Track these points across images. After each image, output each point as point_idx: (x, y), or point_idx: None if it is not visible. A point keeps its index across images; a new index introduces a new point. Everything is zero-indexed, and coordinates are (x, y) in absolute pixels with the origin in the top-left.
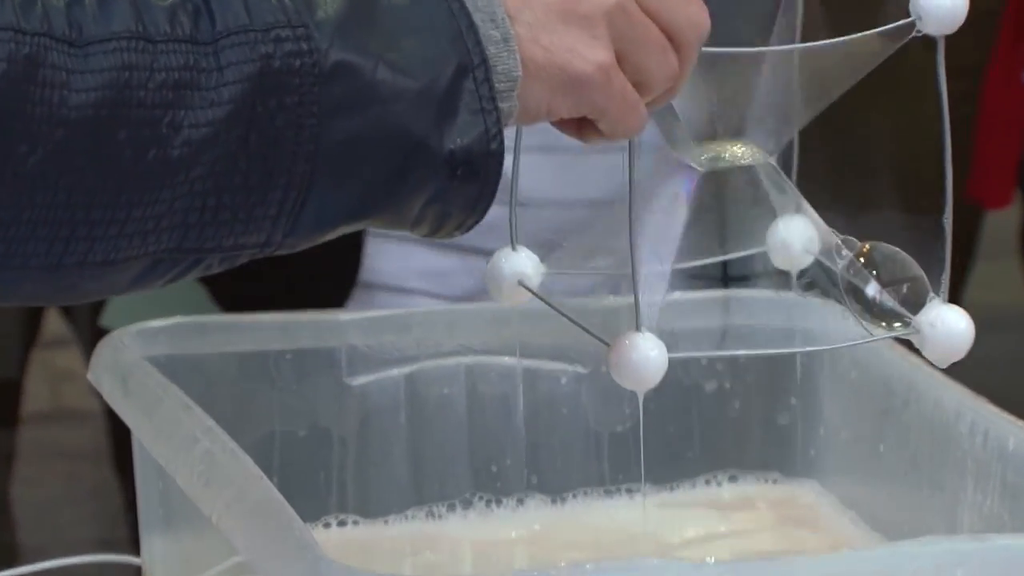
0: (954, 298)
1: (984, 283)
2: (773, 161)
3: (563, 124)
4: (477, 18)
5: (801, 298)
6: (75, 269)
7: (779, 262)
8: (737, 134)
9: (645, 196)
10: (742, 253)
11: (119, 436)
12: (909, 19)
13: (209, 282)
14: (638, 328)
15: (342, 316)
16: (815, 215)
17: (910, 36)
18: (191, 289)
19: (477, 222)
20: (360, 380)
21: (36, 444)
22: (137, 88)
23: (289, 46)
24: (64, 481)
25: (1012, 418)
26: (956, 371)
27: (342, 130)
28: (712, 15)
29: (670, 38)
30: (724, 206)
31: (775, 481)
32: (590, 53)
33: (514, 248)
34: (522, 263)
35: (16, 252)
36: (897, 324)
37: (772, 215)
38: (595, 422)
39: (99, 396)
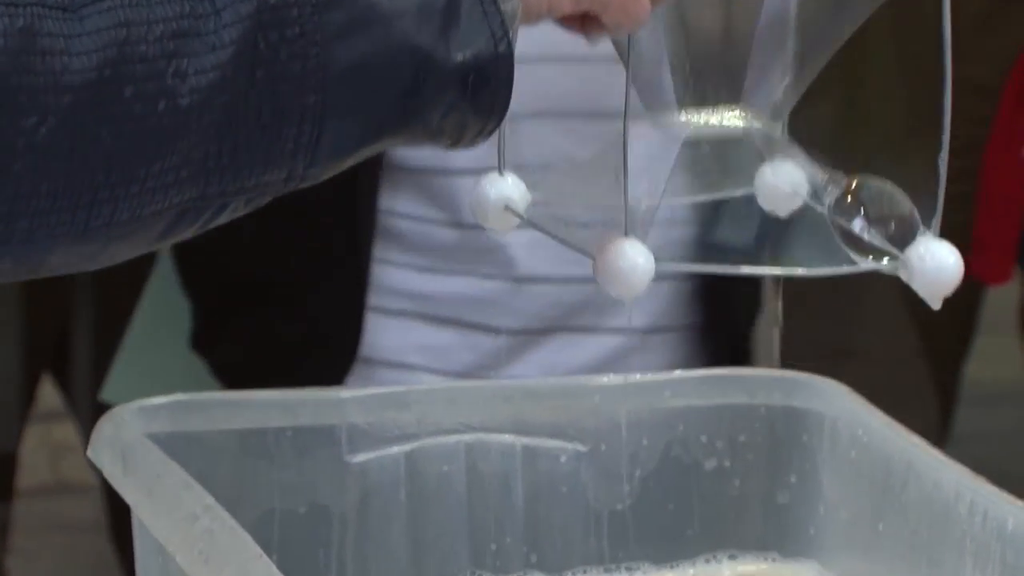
0: (954, 373)
1: (985, 358)
2: (778, 128)
3: (566, 21)
4: None
5: (802, 377)
6: (102, 231)
7: (767, 204)
8: (733, 98)
9: (637, 131)
10: (730, 193)
11: (117, 510)
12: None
13: (209, 354)
14: (626, 234)
15: (342, 393)
16: (801, 153)
17: None
18: (191, 365)
19: (497, 126)
20: (360, 457)
21: (34, 517)
22: (137, 43)
23: None
24: (62, 555)
25: (1011, 498)
26: (958, 445)
27: (348, 54)
28: None
29: None
30: (713, 148)
31: (774, 560)
32: None
33: (501, 173)
34: (509, 188)
35: (41, 224)
36: (887, 259)
37: (760, 158)
38: (595, 500)
39: (97, 469)
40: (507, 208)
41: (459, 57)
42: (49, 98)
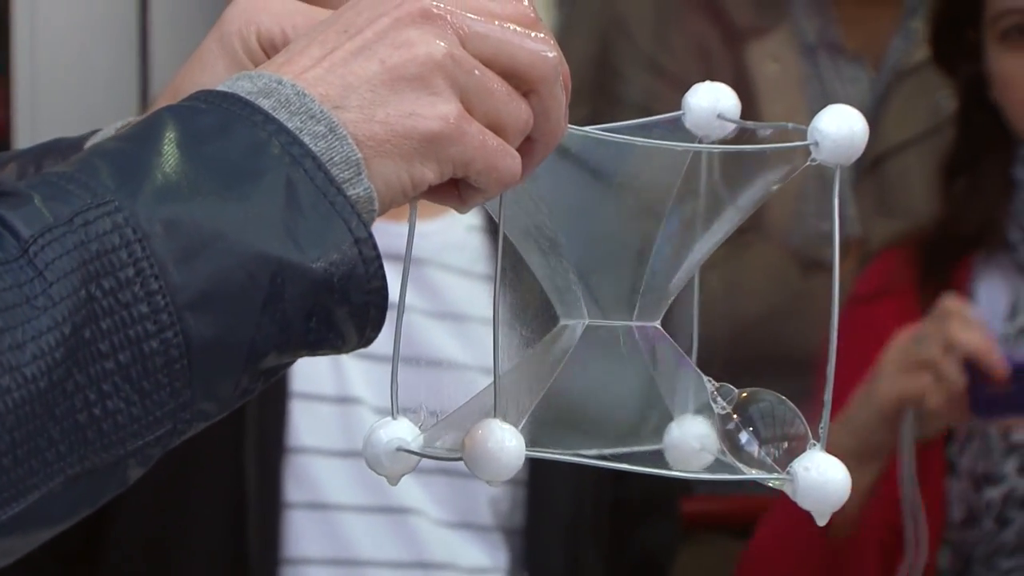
0: None
1: None
2: (658, 324)
3: (439, 194)
4: (294, 122)
5: None
6: None
7: (676, 462)
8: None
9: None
10: (631, 449)
11: None
12: (806, 143)
13: None
14: (495, 415)
15: None
16: (693, 367)
17: (806, 164)
18: None
19: (380, 317)
20: None
21: None
22: None
23: (101, 225)
24: None
25: None
26: None
27: (194, 279)
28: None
29: (518, 80)
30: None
31: None
32: (432, 110)
33: (394, 416)
34: (400, 430)
35: None
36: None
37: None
38: None
39: None
40: (399, 449)
41: (315, 253)
42: None
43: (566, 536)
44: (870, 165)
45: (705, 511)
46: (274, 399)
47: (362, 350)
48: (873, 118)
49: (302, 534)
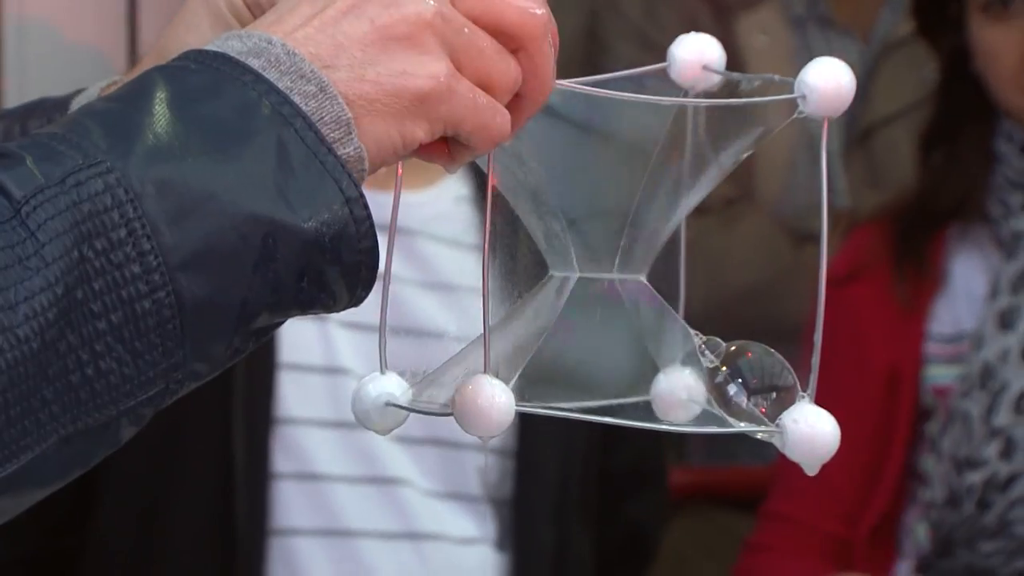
0: None
1: None
2: (643, 278)
3: (429, 152)
4: (284, 82)
5: None
6: None
7: (663, 413)
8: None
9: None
10: (619, 400)
11: None
12: (793, 95)
13: None
14: (486, 370)
15: None
16: (680, 320)
17: (792, 117)
18: None
19: (371, 277)
20: None
21: None
22: None
23: (93, 185)
24: None
25: None
26: None
27: (186, 240)
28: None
29: (507, 37)
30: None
31: None
32: (422, 69)
33: (383, 371)
34: (389, 385)
35: None
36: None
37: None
38: None
39: None
40: (388, 404)
41: (306, 213)
42: None
43: (554, 507)
44: (859, 137)
45: (698, 481)
46: (262, 370)
47: (350, 320)
48: (862, 90)
49: (290, 504)
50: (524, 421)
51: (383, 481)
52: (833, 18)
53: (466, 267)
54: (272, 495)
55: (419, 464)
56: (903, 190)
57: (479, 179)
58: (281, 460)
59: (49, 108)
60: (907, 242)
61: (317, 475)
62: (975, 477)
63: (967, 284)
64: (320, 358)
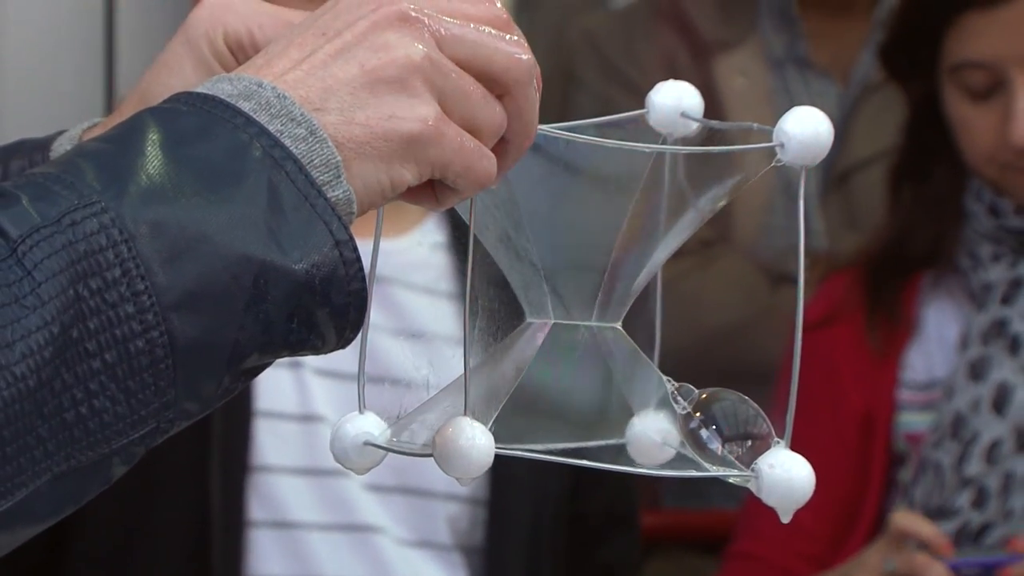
0: None
1: None
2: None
3: (416, 196)
4: (274, 125)
5: None
6: None
7: (638, 456)
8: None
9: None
10: (594, 443)
11: None
12: (771, 144)
13: None
14: (465, 412)
15: None
16: (654, 366)
17: (771, 165)
18: None
19: (359, 320)
20: None
21: None
22: None
23: (88, 225)
24: None
25: None
26: None
27: (179, 280)
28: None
29: (493, 82)
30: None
31: None
32: (411, 112)
33: (361, 411)
34: (367, 424)
35: None
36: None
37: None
38: None
39: None
40: (367, 443)
41: (296, 255)
42: None
43: (526, 554)
44: (837, 179)
45: (671, 524)
46: (238, 417)
47: (325, 367)
48: (841, 132)
49: (265, 553)
50: (496, 469)
51: (357, 529)
52: (812, 60)
53: (440, 315)
54: (247, 543)
55: (391, 512)
56: (876, 231)
57: (455, 227)
58: (256, 508)
59: (29, 149)
60: (879, 290)
61: (291, 523)
62: (948, 527)
63: (940, 331)
64: (295, 406)
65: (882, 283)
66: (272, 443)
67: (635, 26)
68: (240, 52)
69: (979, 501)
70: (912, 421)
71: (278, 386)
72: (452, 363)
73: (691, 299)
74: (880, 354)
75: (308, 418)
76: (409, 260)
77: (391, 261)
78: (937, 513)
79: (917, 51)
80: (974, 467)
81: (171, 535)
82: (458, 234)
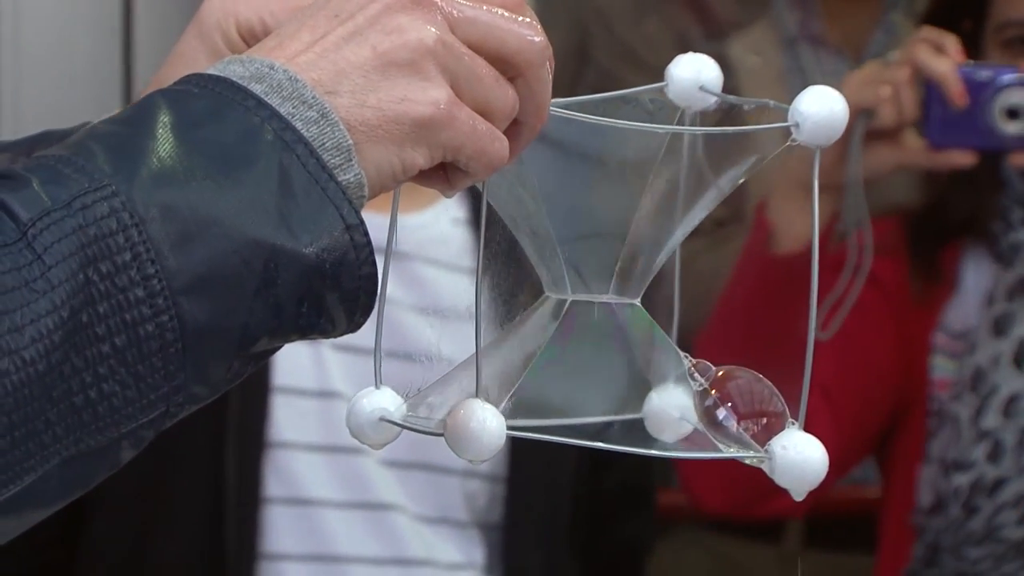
0: None
1: None
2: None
3: (428, 178)
4: (286, 108)
5: None
6: None
7: (655, 430)
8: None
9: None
10: (611, 418)
11: None
12: (786, 123)
13: None
14: (477, 394)
15: None
16: (672, 342)
17: (786, 145)
18: None
19: (369, 304)
20: None
21: None
22: None
23: (99, 209)
24: None
25: None
26: None
27: (189, 264)
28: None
29: (505, 64)
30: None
31: None
32: (423, 95)
33: (378, 386)
34: (383, 400)
35: None
36: (751, 451)
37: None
38: None
39: None
40: (382, 419)
41: (307, 239)
42: None
43: (543, 532)
44: None
45: (685, 504)
46: (255, 393)
47: (343, 342)
48: None
49: (281, 529)
50: (514, 445)
51: (373, 506)
52: (825, 38)
53: (462, 291)
54: (263, 520)
55: (408, 489)
56: (911, 203)
57: (476, 201)
58: (273, 484)
59: (54, 141)
60: (920, 250)
61: (307, 500)
62: (962, 479)
63: (978, 287)
64: (313, 382)
65: (921, 244)
66: (289, 419)
67: (648, 5)
68: (253, 40)
69: (995, 455)
70: (941, 366)
71: (296, 362)
72: (472, 339)
73: (704, 279)
74: (919, 302)
75: (326, 394)
76: (430, 235)
77: (412, 236)
78: (953, 466)
79: (959, 20)
80: (991, 420)
81: (187, 511)
82: (479, 208)
